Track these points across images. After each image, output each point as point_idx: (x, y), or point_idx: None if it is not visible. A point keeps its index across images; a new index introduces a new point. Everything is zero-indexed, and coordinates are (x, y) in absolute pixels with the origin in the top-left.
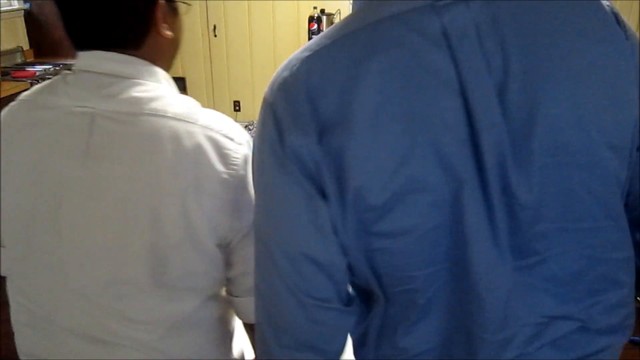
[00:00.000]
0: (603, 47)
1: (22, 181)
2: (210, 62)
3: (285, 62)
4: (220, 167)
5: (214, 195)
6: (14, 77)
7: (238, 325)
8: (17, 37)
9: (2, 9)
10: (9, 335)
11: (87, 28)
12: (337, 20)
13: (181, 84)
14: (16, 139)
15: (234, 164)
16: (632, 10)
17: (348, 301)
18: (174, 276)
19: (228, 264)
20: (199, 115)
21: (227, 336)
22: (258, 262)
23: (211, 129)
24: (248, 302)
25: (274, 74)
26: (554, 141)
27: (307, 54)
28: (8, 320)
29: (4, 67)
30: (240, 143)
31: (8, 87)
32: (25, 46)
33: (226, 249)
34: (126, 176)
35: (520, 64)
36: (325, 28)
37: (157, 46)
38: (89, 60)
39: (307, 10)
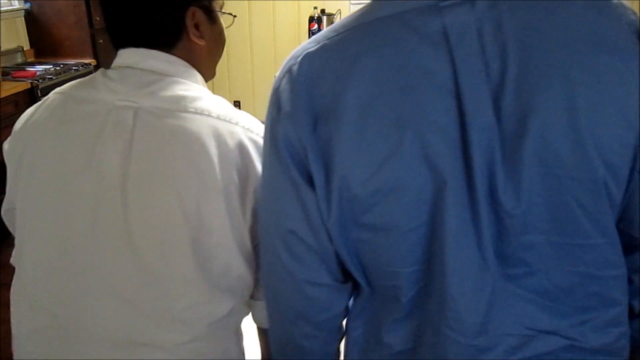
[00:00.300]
0: (611, 60)
1: (59, 176)
2: None
3: (294, 51)
4: (260, 167)
5: (255, 194)
6: (14, 77)
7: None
8: (18, 37)
9: (2, 8)
10: (9, 335)
11: (123, 27)
12: (337, 20)
13: None
14: (55, 132)
15: None
16: None
17: (344, 278)
18: (218, 273)
19: (258, 265)
20: (240, 117)
21: (241, 339)
22: (260, 238)
23: (252, 131)
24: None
25: (284, 62)
26: (545, 151)
27: (312, 46)
28: (8, 321)
29: (5, 67)
30: None
31: (8, 87)
32: (26, 46)
33: (257, 249)
34: (170, 172)
35: (518, 69)
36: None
37: (191, 51)
38: (131, 57)
39: (308, 11)
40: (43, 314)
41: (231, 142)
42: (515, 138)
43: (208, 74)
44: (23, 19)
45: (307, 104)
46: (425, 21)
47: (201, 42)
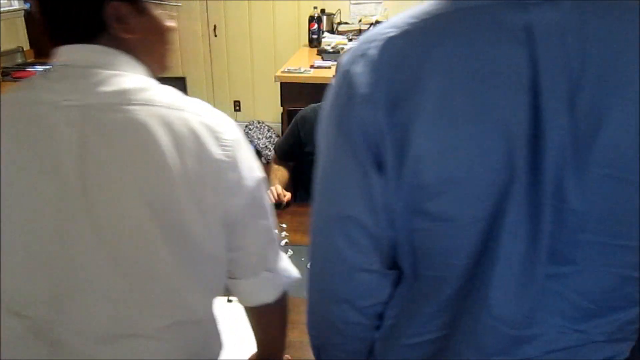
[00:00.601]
0: None
1: (17, 181)
2: (211, 62)
3: (366, 35)
4: (216, 149)
5: (214, 175)
6: (14, 78)
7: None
8: (18, 38)
9: (2, 9)
10: None
11: (49, 24)
12: (337, 20)
13: (181, 84)
14: (6, 137)
15: (227, 145)
16: None
17: (392, 264)
18: (190, 256)
19: (229, 245)
20: (187, 104)
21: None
22: (312, 221)
23: (201, 115)
24: (249, 285)
25: (355, 46)
26: (615, 154)
27: (393, 31)
28: None
29: (4, 68)
30: (229, 126)
31: (8, 88)
32: (26, 46)
33: (226, 230)
34: (126, 165)
35: (597, 71)
36: (326, 28)
37: (123, 44)
38: (67, 54)
39: (308, 10)
40: (19, 320)
41: (184, 129)
42: (587, 138)
43: (155, 67)
44: (23, 19)
45: (387, 88)
46: (510, 16)
47: (129, 36)
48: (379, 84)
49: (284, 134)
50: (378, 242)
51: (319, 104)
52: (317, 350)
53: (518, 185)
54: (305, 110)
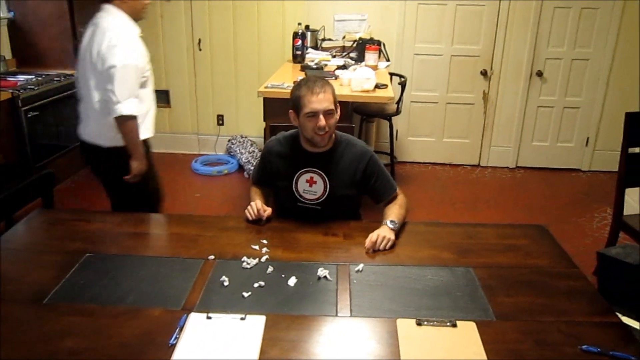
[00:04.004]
0: None
1: None
2: (195, 75)
3: None
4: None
5: None
6: None
7: None
8: (0, 46)
9: None
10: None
11: None
12: (321, 36)
13: (165, 96)
14: None
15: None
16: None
17: None
18: None
19: None
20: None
21: None
22: None
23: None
24: None
25: None
26: None
27: None
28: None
29: None
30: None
31: None
32: (8, 55)
33: None
34: None
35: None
36: (310, 44)
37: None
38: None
39: (292, 26)
40: None
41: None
42: None
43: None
44: (6, 28)
45: None
46: None
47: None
48: None
49: (256, 166)
50: None
51: (285, 133)
52: None
53: None
54: (271, 141)
